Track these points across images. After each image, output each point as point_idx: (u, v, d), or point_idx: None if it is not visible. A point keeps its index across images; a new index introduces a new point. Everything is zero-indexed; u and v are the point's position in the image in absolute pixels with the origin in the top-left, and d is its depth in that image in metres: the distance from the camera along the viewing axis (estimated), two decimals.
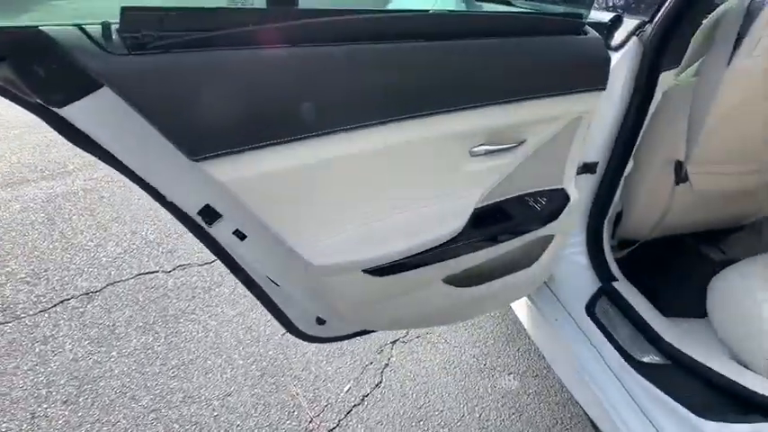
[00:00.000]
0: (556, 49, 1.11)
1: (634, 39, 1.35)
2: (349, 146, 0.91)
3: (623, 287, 1.59)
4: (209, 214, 0.95)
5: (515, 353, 2.16)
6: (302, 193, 0.91)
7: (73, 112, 0.75)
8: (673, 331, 1.45)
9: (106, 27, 0.67)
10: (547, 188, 1.33)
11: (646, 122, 1.46)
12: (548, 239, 1.42)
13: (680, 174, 1.58)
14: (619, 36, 1.37)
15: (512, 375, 2.05)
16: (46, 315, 2.23)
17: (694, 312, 1.65)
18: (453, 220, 1.13)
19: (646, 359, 1.40)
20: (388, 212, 1.04)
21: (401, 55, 0.92)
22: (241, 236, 1.00)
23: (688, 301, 1.67)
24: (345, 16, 0.87)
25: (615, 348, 1.45)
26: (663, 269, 1.90)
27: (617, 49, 1.37)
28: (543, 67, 1.10)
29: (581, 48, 1.14)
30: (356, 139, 0.91)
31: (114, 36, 0.68)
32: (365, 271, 1.04)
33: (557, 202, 1.33)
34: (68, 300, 2.32)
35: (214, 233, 0.98)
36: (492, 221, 1.23)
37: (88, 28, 0.68)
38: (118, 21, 0.68)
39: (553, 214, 1.32)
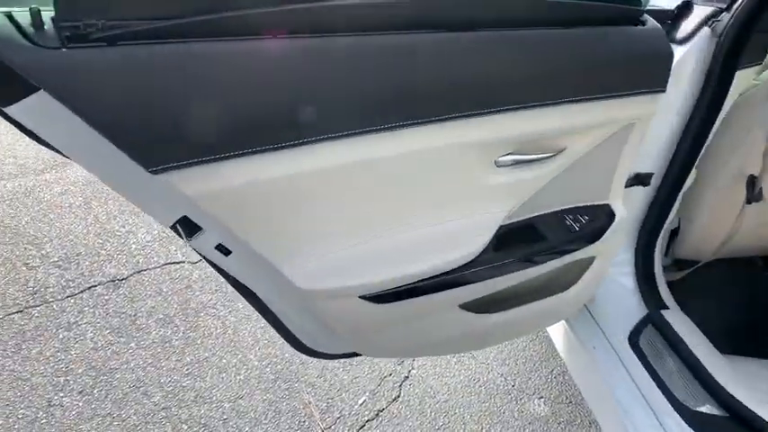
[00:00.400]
0: (606, 42, 0.93)
1: (705, 30, 1.13)
2: (343, 155, 0.78)
3: (674, 317, 1.39)
4: (188, 226, 0.84)
5: (548, 375, 1.97)
6: (287, 207, 0.78)
7: (20, 112, 0.65)
8: (732, 375, 1.25)
9: (36, 14, 0.56)
10: (589, 204, 1.15)
11: (714, 128, 1.24)
12: (588, 261, 1.24)
13: (753, 190, 1.36)
14: (687, 26, 1.16)
15: (542, 400, 1.87)
16: (72, 301, 2.24)
17: (762, 351, 1.42)
18: (472, 241, 0.98)
19: (697, 408, 1.20)
20: (391, 231, 0.90)
21: (414, 48, 0.77)
22: (225, 251, 0.88)
23: (754, 338, 1.44)
24: (343, 2, 0.72)
25: (660, 390, 1.25)
26: (725, 296, 1.67)
27: (684, 41, 1.16)
28: (590, 65, 0.91)
29: (637, 41, 0.95)
30: (352, 148, 0.78)
31: (48, 25, 0.57)
32: (362, 297, 0.90)
33: (600, 220, 1.15)
34: (95, 286, 2.32)
35: (195, 247, 0.87)
36: (521, 242, 1.07)
37: (16, 14, 0.57)
38: (51, 7, 0.57)
39: (595, 234, 1.14)
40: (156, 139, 0.63)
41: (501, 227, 1.02)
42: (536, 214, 1.09)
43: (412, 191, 0.89)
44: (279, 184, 0.75)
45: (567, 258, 1.14)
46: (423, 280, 0.94)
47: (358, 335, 1.05)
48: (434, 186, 0.90)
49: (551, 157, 0.99)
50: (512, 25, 0.85)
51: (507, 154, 0.94)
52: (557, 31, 0.88)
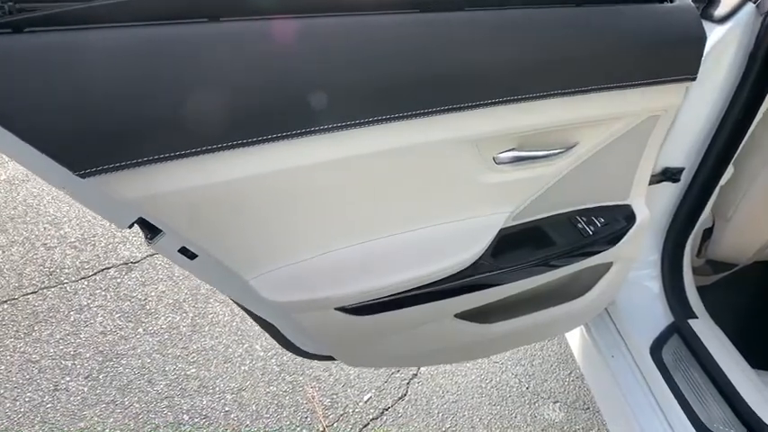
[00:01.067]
0: (626, 22, 0.80)
1: (749, 6, 0.98)
2: (314, 153, 0.69)
3: (703, 327, 1.25)
4: (147, 228, 0.77)
5: (565, 378, 1.86)
6: (246, 213, 0.70)
7: None
8: (765, 396, 1.12)
9: None
10: (606, 204, 1.03)
11: (757, 119, 1.10)
12: (605, 266, 1.12)
13: None
14: (728, 2, 1.00)
15: (557, 405, 1.77)
16: (85, 283, 2.24)
17: None
18: (467, 247, 0.88)
19: (722, 430, 1.08)
20: (371, 237, 0.80)
21: (399, 30, 0.67)
22: (190, 255, 0.81)
23: None
24: None
25: (682, 409, 1.14)
26: (763, 304, 1.51)
27: (724, 19, 1.01)
28: (608, 49, 0.79)
29: (664, 21, 0.82)
30: (325, 145, 0.68)
31: None
32: (339, 309, 0.82)
33: (618, 222, 1.03)
34: (109, 269, 2.32)
35: (157, 250, 0.80)
36: (525, 247, 0.97)
37: None
38: None
39: (612, 238, 1.02)
40: (79, 139, 0.55)
41: (502, 230, 0.92)
42: (544, 216, 0.98)
43: (396, 192, 0.79)
44: (235, 186, 0.66)
45: (579, 265, 1.03)
46: (409, 290, 0.85)
47: (339, 347, 0.97)
48: (423, 187, 0.81)
49: (561, 153, 0.87)
50: (514, 3, 0.74)
51: (508, 150, 0.83)
52: (568, 10, 0.76)
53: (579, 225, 1.00)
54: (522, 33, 0.73)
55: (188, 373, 1.85)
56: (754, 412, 1.07)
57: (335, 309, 0.82)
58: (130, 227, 0.77)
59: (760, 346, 1.31)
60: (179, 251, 0.80)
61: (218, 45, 0.57)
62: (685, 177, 1.19)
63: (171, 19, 0.56)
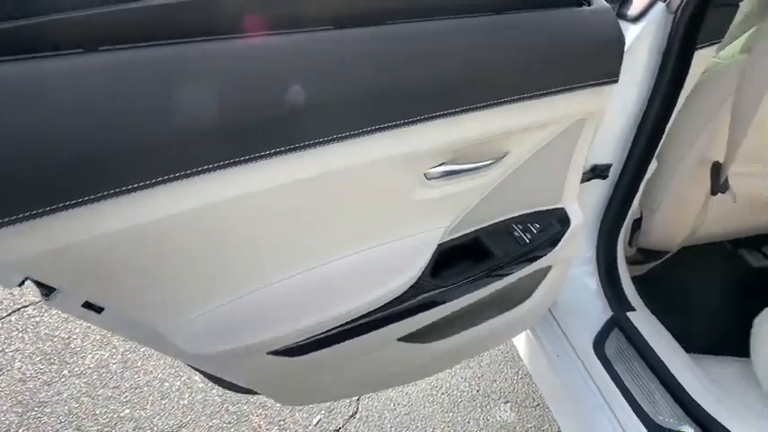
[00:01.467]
0: (546, 28, 0.78)
1: (660, 6, 1.00)
2: (226, 188, 0.62)
3: (640, 318, 1.28)
4: (40, 285, 0.67)
5: (514, 376, 1.87)
6: (153, 259, 0.62)
7: None
8: (703, 382, 1.15)
9: None
10: (540, 209, 1.03)
11: (674, 114, 1.13)
12: (544, 270, 1.11)
13: (718, 180, 1.24)
14: (639, 3, 1.02)
15: (509, 405, 1.77)
16: (0, 325, 2.04)
17: (736, 348, 1.33)
18: (405, 268, 0.84)
19: (666, 421, 1.10)
20: (300, 270, 0.74)
21: (318, 49, 0.61)
22: (97, 309, 0.72)
23: (729, 332, 1.35)
24: None
25: (626, 401, 1.15)
26: (694, 287, 1.58)
27: (636, 20, 1.03)
28: (530, 57, 0.77)
29: (583, 25, 0.80)
30: (240, 178, 0.62)
31: None
32: (272, 353, 0.75)
33: (554, 227, 1.02)
34: (26, 307, 2.12)
35: (57, 307, 0.70)
36: (464, 261, 0.94)
37: None
38: None
39: (549, 243, 1.02)
40: None
41: (440, 245, 0.89)
42: (479, 227, 0.95)
43: (326, 219, 0.74)
44: (133, 234, 0.58)
45: (519, 273, 1.02)
46: (348, 322, 0.80)
47: (275, 389, 0.91)
48: (354, 210, 0.75)
49: (492, 164, 0.85)
50: (428, 15, 0.70)
51: (438, 165, 0.80)
52: (485, 19, 0.73)
53: (516, 233, 0.98)
54: (445, 45, 0.70)
55: (121, 414, 1.72)
56: (693, 399, 1.10)
57: (268, 353, 0.75)
58: (21, 285, 0.67)
59: (694, 329, 1.36)
60: (83, 306, 0.70)
61: (92, 77, 0.50)
62: (613, 173, 1.21)
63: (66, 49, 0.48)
